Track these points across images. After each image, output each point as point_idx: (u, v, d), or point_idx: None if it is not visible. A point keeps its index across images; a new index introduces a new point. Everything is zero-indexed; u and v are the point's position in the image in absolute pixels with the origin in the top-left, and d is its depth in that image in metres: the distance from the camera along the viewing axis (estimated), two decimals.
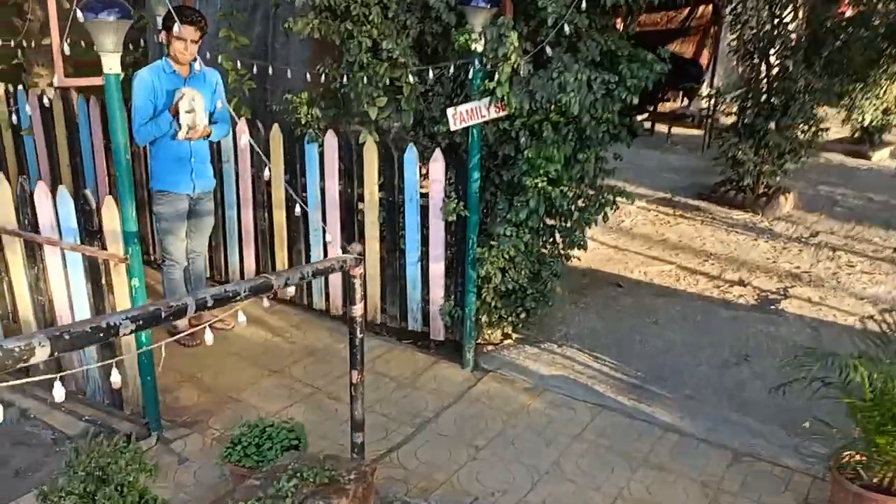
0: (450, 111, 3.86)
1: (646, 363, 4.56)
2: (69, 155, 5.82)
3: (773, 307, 5.48)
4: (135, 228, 3.34)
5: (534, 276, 4.43)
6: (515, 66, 3.80)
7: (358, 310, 2.63)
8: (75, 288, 3.62)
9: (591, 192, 4.41)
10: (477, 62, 3.87)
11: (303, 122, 4.49)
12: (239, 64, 4.73)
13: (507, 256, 4.14)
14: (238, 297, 1.89)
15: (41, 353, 1.36)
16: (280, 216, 4.92)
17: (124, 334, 1.51)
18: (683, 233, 7.04)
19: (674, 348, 4.78)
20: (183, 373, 4.21)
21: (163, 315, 1.61)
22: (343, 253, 2.55)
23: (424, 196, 4.37)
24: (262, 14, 6.79)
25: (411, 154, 4.29)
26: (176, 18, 3.39)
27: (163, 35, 4.10)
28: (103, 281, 3.52)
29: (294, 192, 4.83)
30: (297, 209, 3.39)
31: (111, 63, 3.09)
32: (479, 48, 3.81)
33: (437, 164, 4.23)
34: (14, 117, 5.26)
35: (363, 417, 2.85)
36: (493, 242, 4.16)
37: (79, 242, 3.50)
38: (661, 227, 7.20)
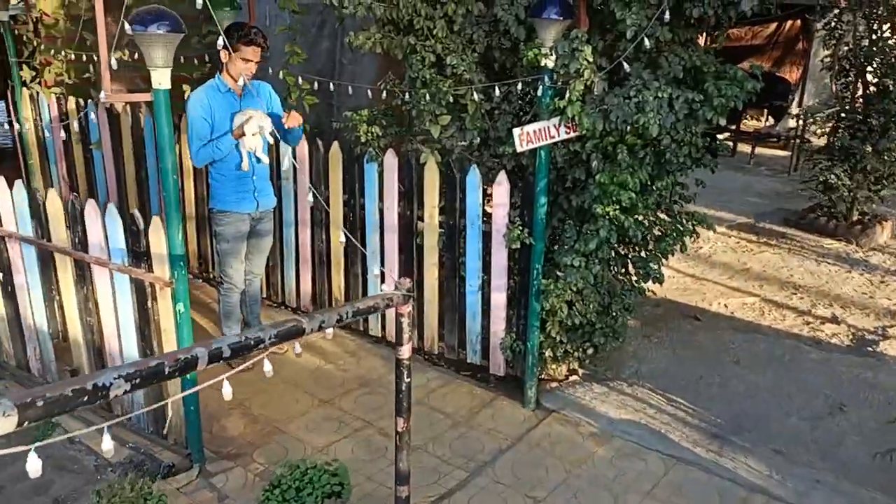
0: (516, 131, 3.59)
1: (726, 409, 4.14)
2: (135, 170, 5.82)
3: (870, 349, 4.96)
4: (181, 251, 3.18)
5: (603, 310, 4.09)
6: (588, 83, 3.50)
7: (405, 351, 2.37)
8: (122, 310, 3.50)
9: (668, 220, 4.04)
10: (547, 79, 3.59)
11: (362, 140, 4.30)
12: (300, 79, 4.58)
13: (574, 288, 3.82)
14: (262, 346, 1.66)
15: (6, 425, 1.15)
16: (338, 238, 4.73)
17: (116, 395, 1.30)
18: (768, 262, 6.53)
19: (758, 393, 4.34)
20: (232, 398, 4.03)
21: (166, 371, 1.39)
22: (395, 284, 2.31)
23: (487, 221, 4.10)
24: (329, 30, 6.71)
25: (474, 176, 4.04)
26: (225, 39, 3.24)
27: (223, 53, 3.97)
28: (149, 304, 3.38)
29: (353, 212, 4.64)
30: (342, 236, 3.17)
31: (160, 78, 2.96)
32: (550, 64, 3.53)
33: (502, 187, 3.95)
34: (74, 124, 5.25)
35: (409, 469, 2.58)
36: (559, 273, 3.85)
37: (126, 263, 3.38)
38: (743, 254, 6.70)
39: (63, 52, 6.08)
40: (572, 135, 3.67)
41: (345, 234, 3.33)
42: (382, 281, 4.36)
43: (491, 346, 4.26)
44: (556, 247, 4.04)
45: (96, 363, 3.76)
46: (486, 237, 4.11)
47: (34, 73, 6.43)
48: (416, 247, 4.42)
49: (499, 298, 4.14)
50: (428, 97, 4.00)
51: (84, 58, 5.98)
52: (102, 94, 3.05)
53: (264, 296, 5.20)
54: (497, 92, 3.88)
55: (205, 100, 3.94)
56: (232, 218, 4.13)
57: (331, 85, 4.48)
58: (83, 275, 3.61)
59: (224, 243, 4.18)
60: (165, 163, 3.07)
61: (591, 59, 3.45)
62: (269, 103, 4.16)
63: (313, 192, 3.54)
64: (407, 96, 4.14)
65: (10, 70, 6.39)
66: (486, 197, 4.14)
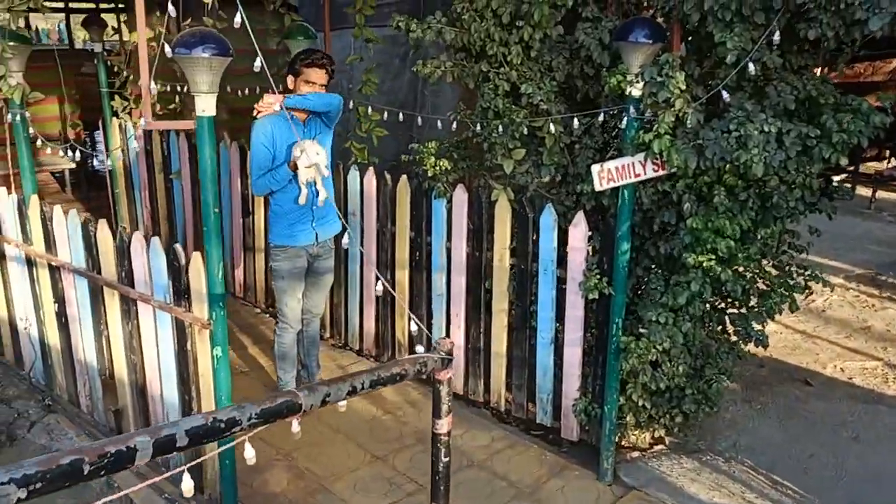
0: (595, 168, 3.17)
1: (843, 497, 3.50)
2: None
3: None
4: (221, 290, 2.94)
5: (694, 373, 3.56)
6: (681, 114, 3.05)
7: (443, 425, 2.00)
8: (164, 350, 3.29)
9: (775, 273, 3.49)
10: (632, 109, 3.17)
11: (430, 174, 3.99)
12: (370, 109, 4.35)
13: (660, 348, 3.33)
14: (238, 428, 1.33)
15: None
16: (402, 277, 4.42)
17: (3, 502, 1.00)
18: (892, 320, 5.73)
19: (883, 478, 3.67)
20: (278, 448, 3.76)
21: (85, 470, 1.07)
22: (433, 344, 1.94)
23: (563, 266, 3.68)
24: (412, 62, 6.53)
25: (549, 216, 3.64)
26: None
27: (289, 79, 3.78)
28: (188, 346, 3.15)
29: (419, 251, 4.32)
30: (379, 287, 2.83)
31: (205, 105, 2.74)
32: (636, 92, 3.11)
33: (579, 229, 3.53)
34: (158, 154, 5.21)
35: None
36: (642, 329, 3.37)
37: (168, 301, 3.17)
38: (863, 310, 5.92)
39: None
40: (661, 173, 3.22)
41: (377, 276, 2.99)
42: (421, 343, 4.00)
43: (563, 406, 3.80)
44: (639, 299, 3.56)
45: (139, 404, 3.57)
46: (561, 284, 3.69)
47: (125, 104, 6.54)
48: (484, 290, 4.04)
49: (573, 354, 3.69)
50: (501, 129, 3.65)
51: (168, 88, 6.02)
52: (142, 121, 2.86)
53: (326, 336, 4.95)
54: (577, 124, 3.48)
55: (267, 127, 3.74)
56: (288, 253, 3.89)
57: (401, 115, 4.21)
58: (128, 310, 3.44)
59: (280, 280, 3.94)
60: (206, 194, 2.84)
61: (683, 87, 3.00)
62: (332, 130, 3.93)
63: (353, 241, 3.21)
64: (478, 128, 3.81)
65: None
66: (563, 239, 3.73)
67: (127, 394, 3.60)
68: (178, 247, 3.10)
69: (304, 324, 4.17)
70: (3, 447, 3.93)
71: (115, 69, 6.47)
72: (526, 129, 3.61)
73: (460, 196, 3.99)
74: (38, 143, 3.98)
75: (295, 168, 3.61)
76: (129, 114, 6.57)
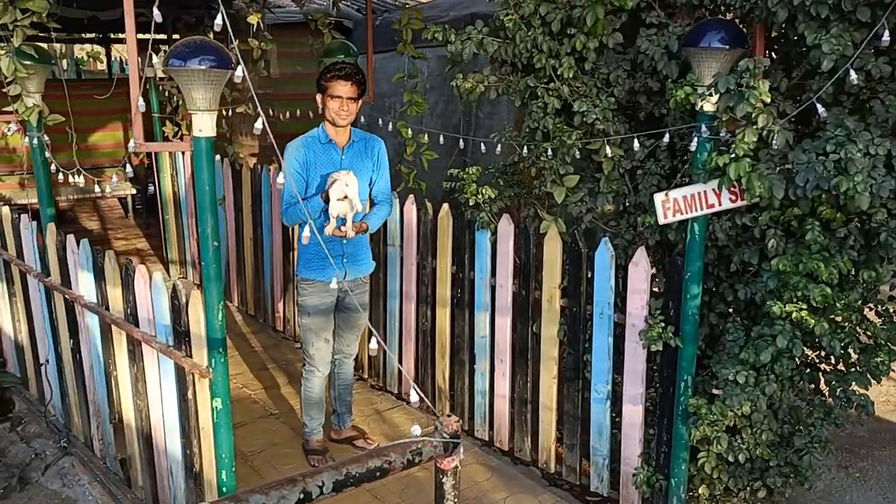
0: (658, 197, 2.68)
1: None
2: (252, 227, 5.51)
3: None
4: (221, 335, 2.58)
5: (781, 442, 2.98)
6: (765, 133, 2.53)
7: None
8: (167, 398, 2.96)
9: (882, 326, 2.88)
10: (704, 128, 2.67)
11: (471, 202, 3.56)
12: (409, 131, 3.98)
13: (738, 412, 2.77)
14: None
15: None
16: (443, 316, 4.00)
17: None
18: None
19: None
20: None
21: None
22: (435, 425, 1.51)
23: (622, 309, 3.18)
24: (451, 75, 6.17)
25: (605, 252, 3.15)
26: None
27: (317, 98, 3.45)
28: (189, 394, 2.81)
29: (461, 288, 3.89)
30: (373, 343, 2.39)
31: (202, 124, 2.42)
32: (709, 107, 2.62)
33: (640, 267, 3.03)
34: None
35: None
36: (717, 391, 2.83)
37: (169, 343, 2.84)
38: None
39: None
40: (739, 203, 2.69)
41: (370, 331, 2.57)
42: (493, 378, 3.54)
43: (622, 473, 3.27)
44: (713, 352, 3.02)
45: (146, 454, 3.24)
46: (619, 331, 3.18)
47: (176, 129, 6.41)
48: (531, 334, 3.57)
49: (633, 413, 3.17)
50: (550, 152, 3.20)
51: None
52: (132, 144, 2.55)
53: (364, 376, 4.56)
54: (638, 146, 3.00)
55: (301, 150, 3.40)
56: (315, 287, 3.50)
57: (441, 138, 3.82)
58: (133, 351, 3.14)
59: (305, 316, 3.56)
60: (205, 226, 2.50)
61: (768, 100, 2.49)
62: (376, 163, 3.54)
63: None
64: (525, 151, 3.37)
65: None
66: (622, 278, 3.23)
67: (134, 441, 3.29)
68: (179, 283, 2.77)
69: (335, 365, 3.79)
70: (13, 491, 3.69)
71: (167, 94, 6.37)
72: (579, 152, 3.15)
73: (506, 227, 3.55)
74: (70, 173, 3.78)
75: (327, 200, 3.25)
76: (181, 139, 6.44)
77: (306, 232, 2.76)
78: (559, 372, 3.48)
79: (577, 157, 3.16)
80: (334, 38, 4.58)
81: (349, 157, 3.44)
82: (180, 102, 6.24)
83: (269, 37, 5.10)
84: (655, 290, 3.07)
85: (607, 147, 3.06)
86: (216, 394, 2.63)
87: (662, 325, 2.92)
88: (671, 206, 2.68)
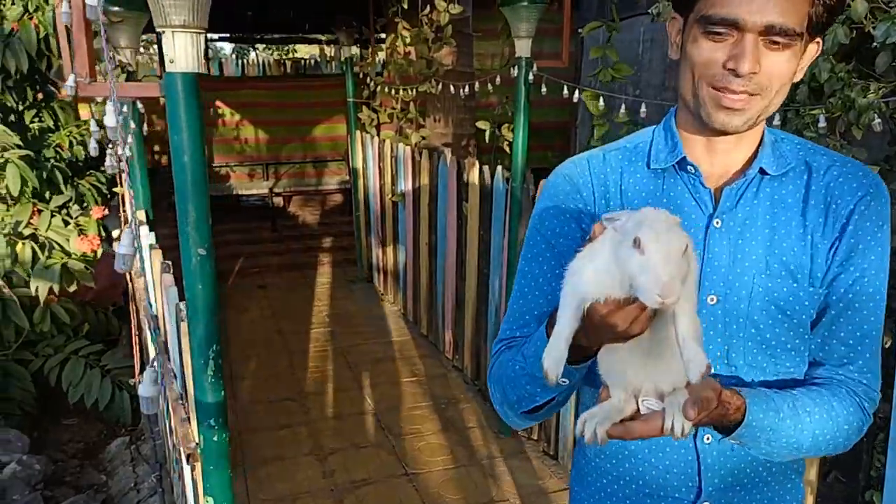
0: None
1: None
2: (428, 230, 4.53)
3: None
4: (217, 398, 1.55)
5: None
6: None
7: None
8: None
9: None
10: None
11: None
12: (602, 102, 2.64)
13: None
14: None
15: None
16: None
17: None
18: None
19: None
20: None
21: None
22: None
23: None
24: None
25: None
26: None
27: (671, 25, 1.04)
28: (183, 477, 1.82)
29: None
30: None
31: (176, 50, 1.40)
32: None
33: None
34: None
35: None
36: None
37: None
38: None
39: (399, 92, 5.13)
40: None
41: None
42: None
43: None
44: None
45: None
46: None
47: (372, 116, 5.69)
48: None
49: None
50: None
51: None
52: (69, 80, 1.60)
53: None
54: None
55: (573, 197, 1.13)
56: None
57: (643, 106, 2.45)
58: None
59: None
60: (185, 221, 1.48)
61: None
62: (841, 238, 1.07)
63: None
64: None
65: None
66: None
67: None
68: (182, 305, 1.79)
69: None
70: None
71: (366, 77, 5.66)
72: None
73: None
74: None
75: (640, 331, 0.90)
76: (377, 128, 5.71)
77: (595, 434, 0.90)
78: None
79: None
80: None
81: (737, 214, 1.06)
82: (379, 88, 5.49)
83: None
84: None
85: None
86: (209, 492, 1.61)
87: None
88: None
